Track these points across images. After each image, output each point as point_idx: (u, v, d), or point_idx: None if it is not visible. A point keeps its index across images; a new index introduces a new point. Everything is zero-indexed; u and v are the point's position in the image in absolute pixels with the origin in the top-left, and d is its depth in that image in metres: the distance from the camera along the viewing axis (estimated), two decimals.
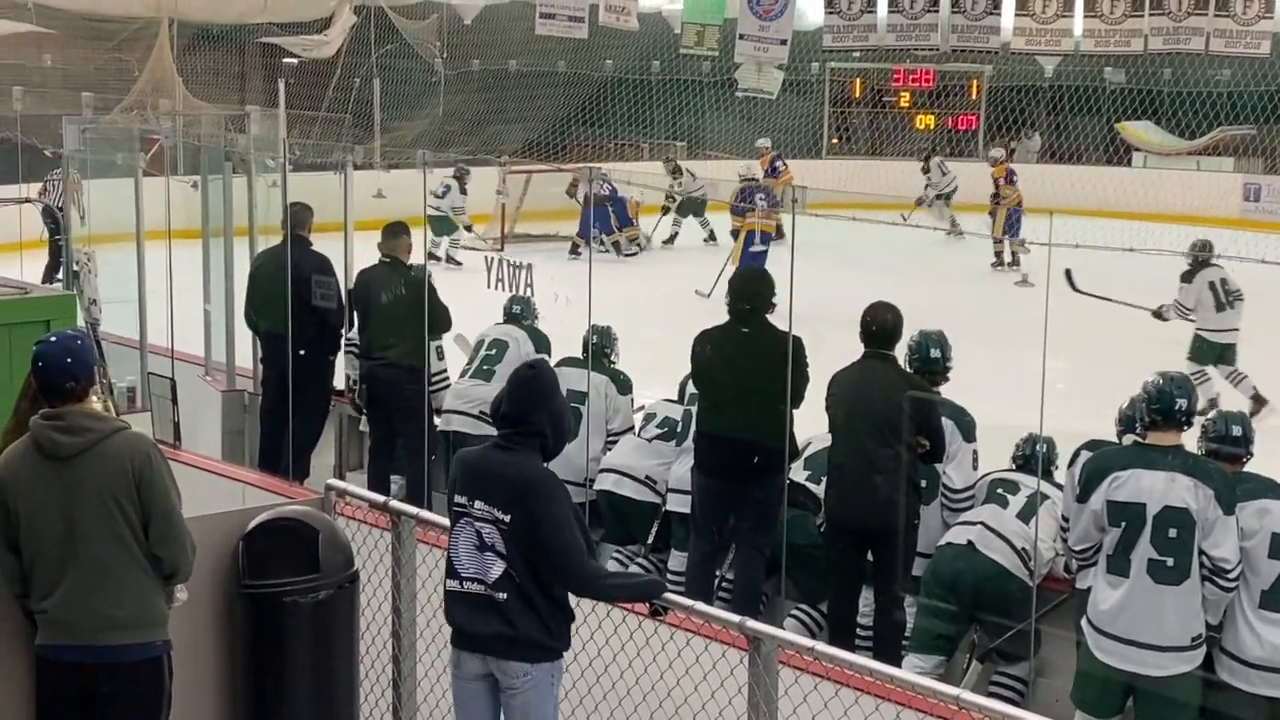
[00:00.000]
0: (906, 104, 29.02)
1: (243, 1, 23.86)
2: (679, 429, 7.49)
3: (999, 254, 19.97)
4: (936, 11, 27.40)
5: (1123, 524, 5.28)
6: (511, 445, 4.57)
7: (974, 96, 28.66)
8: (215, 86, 24.15)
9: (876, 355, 6.61)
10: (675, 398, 7.78)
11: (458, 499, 4.58)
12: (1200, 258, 11.12)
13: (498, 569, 4.47)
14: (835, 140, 29.35)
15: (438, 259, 17.88)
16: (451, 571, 4.59)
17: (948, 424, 6.57)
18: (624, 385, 8.00)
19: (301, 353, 8.80)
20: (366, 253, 9.26)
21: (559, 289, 7.95)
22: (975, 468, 6.67)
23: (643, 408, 8.00)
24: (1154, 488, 5.25)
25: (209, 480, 7.71)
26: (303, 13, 25.18)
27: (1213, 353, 11.25)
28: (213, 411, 9.58)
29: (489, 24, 27.08)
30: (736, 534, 6.92)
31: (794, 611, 6.96)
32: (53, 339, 4.62)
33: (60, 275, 13.84)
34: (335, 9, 25.36)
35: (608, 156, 25.64)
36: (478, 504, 4.52)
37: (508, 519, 4.47)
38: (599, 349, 7.95)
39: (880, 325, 6.62)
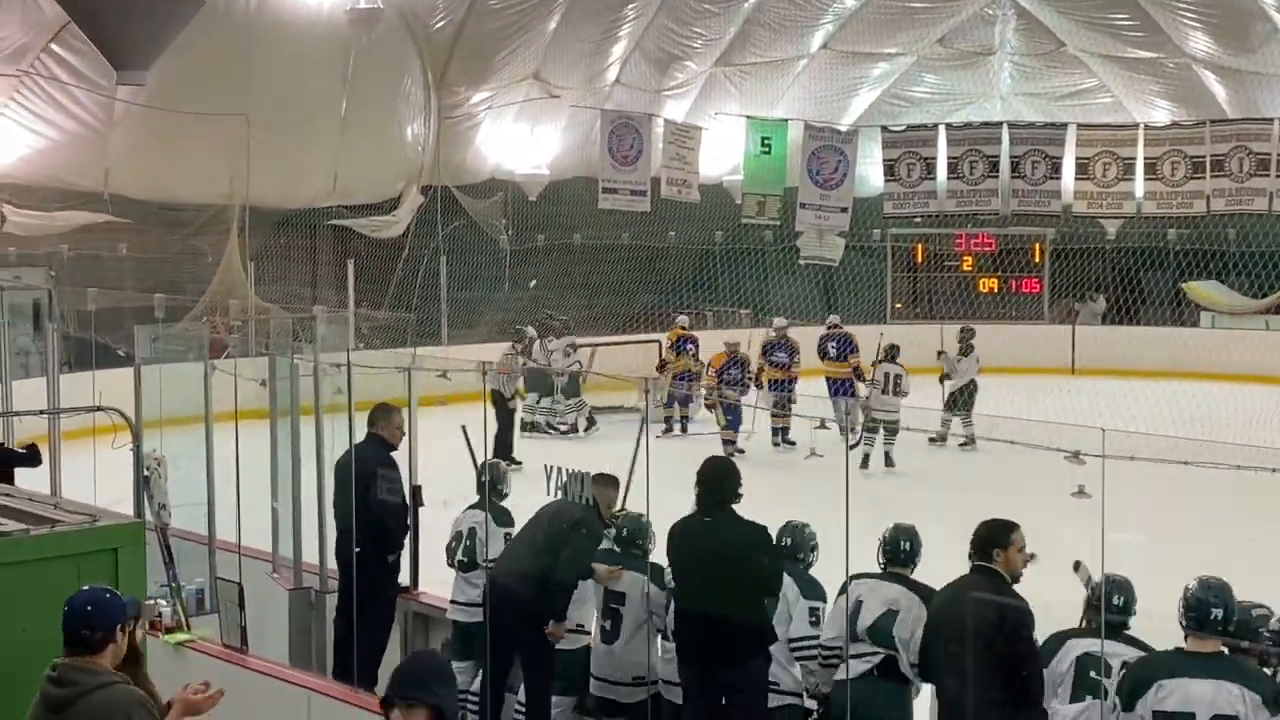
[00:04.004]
0: (970, 267, 29.09)
1: (313, 186, 24.45)
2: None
3: (668, 419, 20.09)
4: (996, 177, 27.65)
5: None
6: None
7: (1037, 259, 28.69)
8: (288, 264, 24.66)
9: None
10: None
11: None
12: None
13: None
14: (899, 305, 29.41)
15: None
16: None
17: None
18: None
19: (357, 550, 8.84)
20: (428, 445, 9.49)
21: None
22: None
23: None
24: (1202, 696, 5.22)
25: (274, 687, 7.74)
26: (371, 195, 25.77)
27: None
28: (280, 609, 9.59)
29: (553, 200, 27.59)
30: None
31: None
32: (85, 588, 4.72)
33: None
34: (403, 190, 25.95)
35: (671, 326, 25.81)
36: None
37: None
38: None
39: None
